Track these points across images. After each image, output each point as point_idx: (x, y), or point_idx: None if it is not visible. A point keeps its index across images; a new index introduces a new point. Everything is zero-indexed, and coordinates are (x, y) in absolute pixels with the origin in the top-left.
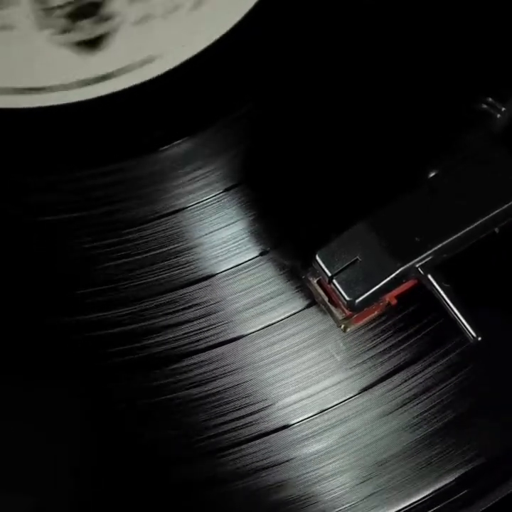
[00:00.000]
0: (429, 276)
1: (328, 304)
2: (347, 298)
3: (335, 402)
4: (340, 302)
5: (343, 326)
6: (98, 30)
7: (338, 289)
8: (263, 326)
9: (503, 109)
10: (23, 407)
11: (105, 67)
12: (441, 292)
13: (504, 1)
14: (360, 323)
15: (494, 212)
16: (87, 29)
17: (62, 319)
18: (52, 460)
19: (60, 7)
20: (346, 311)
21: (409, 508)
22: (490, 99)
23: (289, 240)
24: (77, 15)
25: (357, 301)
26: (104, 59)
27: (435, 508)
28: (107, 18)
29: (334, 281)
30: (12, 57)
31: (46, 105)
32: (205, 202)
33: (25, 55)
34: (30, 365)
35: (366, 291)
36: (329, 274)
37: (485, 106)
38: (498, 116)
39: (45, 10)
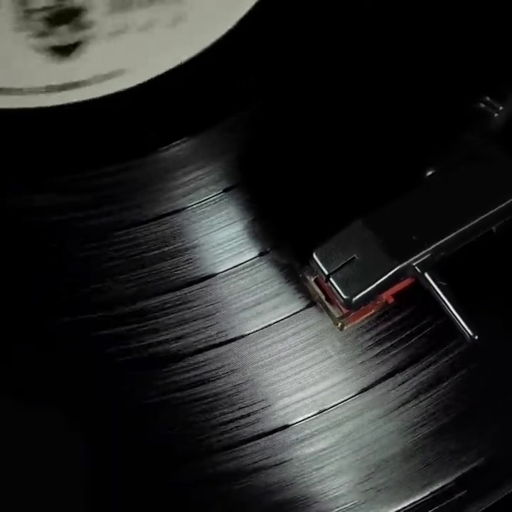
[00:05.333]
0: (426, 275)
1: (326, 302)
2: (344, 296)
3: (334, 403)
4: (337, 300)
5: (340, 325)
6: (74, 38)
7: (335, 288)
8: (263, 326)
9: (501, 108)
10: (23, 407)
11: (76, 75)
12: (438, 291)
13: (504, 1)
14: (358, 321)
15: (491, 211)
16: (63, 35)
17: (62, 319)
18: (52, 459)
19: (38, 10)
20: (343, 309)
21: (408, 508)
22: (488, 98)
23: (289, 240)
24: (56, 20)
25: (354, 299)
26: (75, 67)
27: (435, 509)
28: (83, 27)
29: (331, 279)
30: None
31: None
32: (205, 202)
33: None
34: (30, 366)
35: (363, 290)
36: (326, 273)
37: (482, 105)
38: (496, 115)
39: (26, 12)
